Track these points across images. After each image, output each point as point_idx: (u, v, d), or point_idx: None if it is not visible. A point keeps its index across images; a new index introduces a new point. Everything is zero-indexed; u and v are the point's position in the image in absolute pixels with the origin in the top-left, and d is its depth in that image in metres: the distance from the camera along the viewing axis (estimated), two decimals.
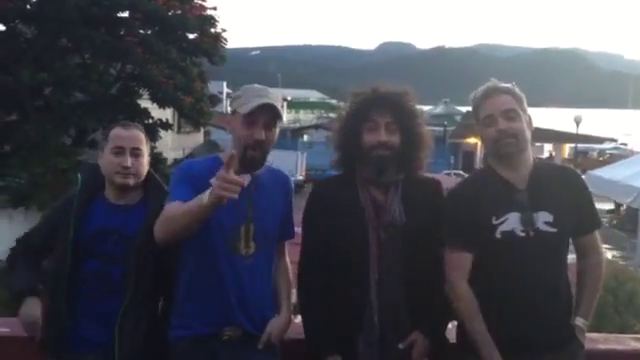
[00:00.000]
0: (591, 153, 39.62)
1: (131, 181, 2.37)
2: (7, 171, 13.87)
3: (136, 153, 2.38)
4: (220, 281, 2.25)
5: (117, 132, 2.41)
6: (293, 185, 2.56)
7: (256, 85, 2.37)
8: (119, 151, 2.36)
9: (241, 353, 2.26)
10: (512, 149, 2.24)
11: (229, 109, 2.44)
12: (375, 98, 2.35)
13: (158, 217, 2.20)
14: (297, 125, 46.06)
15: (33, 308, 2.30)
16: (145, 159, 2.43)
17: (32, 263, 2.42)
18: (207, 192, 2.00)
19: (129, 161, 2.35)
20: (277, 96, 2.36)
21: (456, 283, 2.25)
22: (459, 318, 2.30)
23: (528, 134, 2.28)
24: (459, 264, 2.25)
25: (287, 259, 2.50)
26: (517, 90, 2.31)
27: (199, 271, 2.28)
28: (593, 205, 2.38)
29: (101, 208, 2.39)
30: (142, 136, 2.44)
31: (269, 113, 2.27)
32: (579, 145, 36.95)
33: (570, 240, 2.32)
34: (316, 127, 40.19)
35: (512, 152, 2.25)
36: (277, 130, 2.34)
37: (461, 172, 23.81)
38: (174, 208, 2.13)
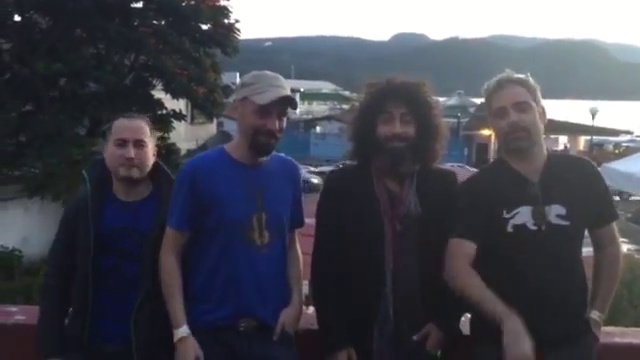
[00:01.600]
0: (607, 145, 39.22)
1: (135, 173, 2.33)
2: (22, 161, 13.99)
3: (139, 144, 2.34)
4: (237, 273, 2.26)
5: (120, 123, 2.38)
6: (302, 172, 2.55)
7: (268, 72, 2.34)
8: (122, 143, 2.33)
9: (257, 344, 2.26)
10: (523, 143, 2.22)
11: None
12: (390, 89, 2.33)
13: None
14: (310, 116, 46.02)
15: None
16: (149, 150, 2.39)
17: (64, 307, 2.37)
18: (184, 334, 2.20)
19: (132, 152, 2.32)
20: (288, 84, 2.35)
21: (453, 263, 2.18)
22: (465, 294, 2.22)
23: (541, 126, 2.25)
24: (460, 250, 2.19)
25: (298, 248, 2.49)
26: (531, 81, 2.27)
27: (217, 263, 2.28)
28: (609, 196, 2.35)
29: (113, 207, 2.37)
30: (146, 127, 2.40)
31: (284, 103, 2.27)
32: (595, 137, 36.62)
33: (587, 233, 2.30)
34: (329, 118, 40.16)
35: (523, 146, 2.22)
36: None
37: (466, 165, 23.62)
38: (167, 281, 2.26)
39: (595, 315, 2.26)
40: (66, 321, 2.39)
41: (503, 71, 2.34)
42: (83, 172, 2.41)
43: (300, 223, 2.48)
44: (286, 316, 2.32)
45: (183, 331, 2.22)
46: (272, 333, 2.29)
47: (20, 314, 2.78)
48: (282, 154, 2.47)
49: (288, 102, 2.27)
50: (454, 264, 2.20)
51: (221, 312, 2.26)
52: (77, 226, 2.33)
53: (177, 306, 2.24)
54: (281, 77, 2.33)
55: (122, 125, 2.37)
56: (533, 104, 2.24)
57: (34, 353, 2.39)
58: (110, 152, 2.36)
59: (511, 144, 2.23)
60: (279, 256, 2.34)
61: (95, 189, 2.36)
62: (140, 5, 14.73)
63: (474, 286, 2.15)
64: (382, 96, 2.33)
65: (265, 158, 2.33)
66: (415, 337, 2.27)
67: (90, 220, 2.30)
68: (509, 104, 2.22)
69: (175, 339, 2.22)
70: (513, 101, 2.22)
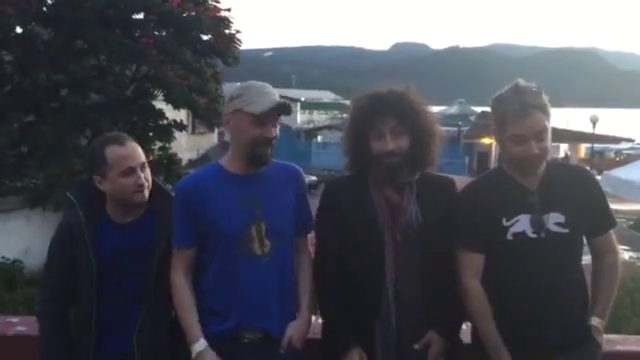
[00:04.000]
0: (608, 153, 39.22)
1: (147, 195, 2.33)
2: (24, 172, 14.01)
3: (144, 167, 2.33)
4: (238, 284, 2.25)
5: (118, 152, 2.26)
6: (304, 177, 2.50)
7: (255, 82, 2.32)
8: (130, 172, 2.27)
9: (263, 356, 2.25)
10: (537, 169, 2.23)
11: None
12: (377, 103, 2.29)
13: (168, 228, 2.29)
14: (311, 126, 46.07)
15: None
16: (149, 172, 2.36)
17: (65, 328, 2.33)
18: (202, 347, 2.19)
19: (142, 178, 2.29)
20: (275, 91, 2.32)
21: (467, 283, 2.24)
22: (470, 318, 2.29)
23: (550, 144, 2.25)
24: (470, 264, 2.25)
25: (309, 255, 2.44)
26: (545, 98, 2.20)
27: (218, 276, 2.27)
28: (606, 204, 2.35)
29: (109, 229, 2.32)
30: (137, 145, 2.35)
31: (278, 111, 2.26)
32: (595, 145, 36.60)
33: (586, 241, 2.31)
34: (330, 128, 40.17)
35: (537, 172, 2.23)
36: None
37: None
38: (179, 300, 2.27)
39: (595, 322, 2.26)
40: None
41: (506, 79, 2.29)
42: (68, 194, 2.33)
43: (308, 228, 2.44)
44: (293, 330, 2.29)
45: (200, 345, 2.20)
46: (279, 345, 2.26)
47: (21, 325, 2.78)
48: (281, 161, 2.45)
49: (282, 108, 2.26)
50: (468, 285, 2.23)
51: (224, 324, 2.25)
52: (74, 250, 2.28)
53: (191, 321, 2.23)
54: (268, 85, 2.30)
55: (122, 154, 2.27)
56: (548, 126, 2.20)
57: None
58: (119, 183, 2.26)
59: (527, 169, 2.23)
60: (283, 264, 2.32)
61: (88, 212, 2.31)
62: (141, 16, 14.80)
63: (482, 320, 2.22)
64: (369, 112, 2.29)
65: (262, 168, 2.32)
66: (416, 345, 2.27)
67: (89, 245, 2.26)
68: (530, 134, 2.16)
69: (193, 355, 2.20)
70: (535, 131, 2.16)
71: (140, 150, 2.35)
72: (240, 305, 2.24)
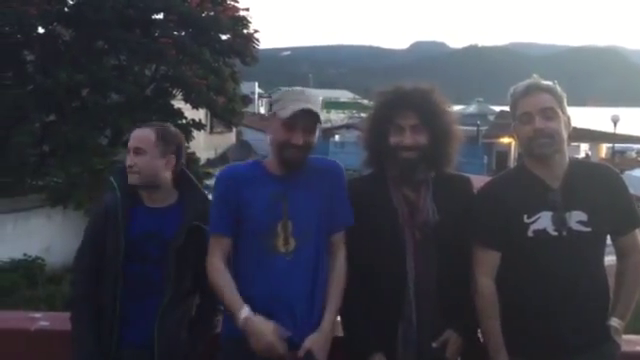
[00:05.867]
0: (629, 153, 38.70)
1: (133, 180, 2.40)
2: (45, 171, 14.20)
3: (138, 152, 2.41)
4: (260, 282, 2.25)
5: (132, 133, 2.48)
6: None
7: (297, 88, 2.38)
8: (128, 152, 2.44)
9: None
10: (547, 150, 2.21)
11: (261, 110, 2.46)
12: (399, 99, 2.32)
13: (197, 216, 2.37)
14: (328, 125, 46.09)
15: None
16: (151, 158, 2.41)
17: (96, 313, 2.36)
18: (247, 313, 2.16)
19: (130, 160, 2.40)
20: (317, 99, 2.36)
21: (479, 279, 2.25)
22: (477, 314, 2.27)
23: (565, 134, 2.25)
24: (485, 260, 2.25)
25: (343, 255, 2.36)
26: (558, 89, 2.27)
27: (242, 271, 2.30)
28: (632, 203, 2.32)
29: (140, 212, 2.42)
30: (150, 136, 2.43)
31: (308, 118, 2.28)
32: (617, 145, 36.12)
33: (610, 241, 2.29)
34: (347, 127, 40.14)
35: (547, 153, 2.22)
36: (317, 132, 2.33)
37: None
38: (217, 279, 2.26)
39: (615, 322, 2.24)
40: None
41: (525, 78, 2.33)
42: (110, 179, 2.46)
43: (343, 224, 2.36)
44: (312, 342, 2.21)
45: (245, 311, 2.17)
46: (297, 351, 2.20)
47: (44, 320, 2.82)
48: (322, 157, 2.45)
49: (312, 115, 2.28)
50: (480, 281, 2.25)
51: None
52: (105, 232, 2.37)
53: (231, 294, 2.22)
54: (309, 91, 2.34)
55: (131, 135, 2.47)
56: (559, 112, 2.23)
57: (58, 359, 2.43)
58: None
59: (535, 150, 2.23)
60: (307, 263, 2.29)
61: (124, 195, 2.41)
62: (161, 16, 14.93)
63: (488, 317, 2.23)
64: (391, 107, 2.33)
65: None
66: (434, 344, 2.27)
67: (120, 225, 2.35)
68: (535, 110, 2.21)
69: (239, 322, 2.16)
70: (539, 107, 2.21)
71: (147, 138, 2.42)
72: (261, 302, 2.24)
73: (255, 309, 2.20)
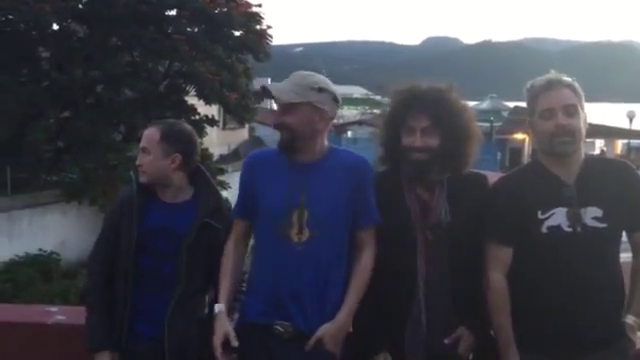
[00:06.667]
0: None
1: (144, 178, 2.43)
2: (60, 167, 14.34)
3: (144, 151, 2.44)
4: (270, 269, 2.27)
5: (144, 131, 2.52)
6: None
7: (302, 72, 2.37)
8: (139, 149, 2.49)
9: (292, 351, 2.22)
10: (569, 148, 2.19)
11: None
12: (413, 99, 2.30)
13: (208, 214, 2.40)
14: (341, 121, 46.04)
15: None
16: (153, 158, 2.41)
17: (111, 303, 2.40)
18: (219, 309, 2.27)
19: (139, 159, 2.45)
20: (306, 79, 2.30)
21: (491, 274, 2.23)
22: (489, 309, 2.26)
23: (584, 132, 2.23)
24: (497, 256, 2.24)
25: (370, 251, 2.30)
26: (578, 86, 2.23)
27: (258, 256, 2.33)
28: None
29: (156, 207, 2.45)
30: (155, 136, 2.43)
31: (269, 95, 2.31)
32: (632, 141, 35.75)
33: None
34: (360, 123, 40.06)
35: (568, 151, 2.19)
36: (303, 111, 2.24)
37: None
38: (222, 263, 2.35)
39: (630, 320, 2.22)
40: None
41: (540, 74, 2.29)
42: (131, 173, 2.51)
43: (368, 222, 2.30)
44: (325, 332, 2.21)
45: (217, 307, 2.29)
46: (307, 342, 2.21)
47: (60, 314, 2.85)
48: (350, 149, 2.45)
49: (267, 93, 2.30)
50: (491, 276, 2.23)
51: (257, 306, 2.28)
52: (120, 225, 2.41)
53: (223, 285, 2.33)
54: (304, 73, 2.34)
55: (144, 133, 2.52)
56: (579, 108, 2.21)
57: (74, 352, 2.46)
58: None
59: (556, 148, 2.19)
60: (320, 255, 2.26)
61: (140, 189, 2.45)
62: (174, 13, 14.99)
63: (499, 312, 2.22)
64: (404, 107, 2.31)
65: (319, 157, 2.31)
66: (447, 340, 2.27)
67: (135, 218, 2.38)
68: (558, 106, 2.18)
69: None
70: (563, 104, 2.18)
71: (152, 137, 2.44)
72: (271, 291, 2.25)
73: (263, 295, 2.26)
